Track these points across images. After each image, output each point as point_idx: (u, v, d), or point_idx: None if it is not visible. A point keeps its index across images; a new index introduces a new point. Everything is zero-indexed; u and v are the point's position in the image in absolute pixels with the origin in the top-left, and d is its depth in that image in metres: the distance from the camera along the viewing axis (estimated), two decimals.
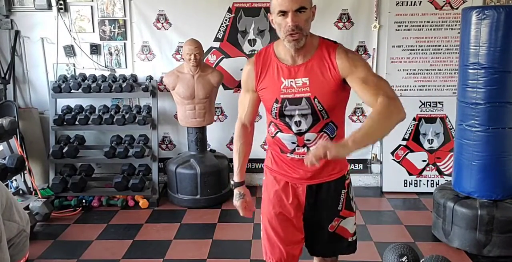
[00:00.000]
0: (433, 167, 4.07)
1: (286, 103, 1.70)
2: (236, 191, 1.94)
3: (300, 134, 1.74)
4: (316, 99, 1.67)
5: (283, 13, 1.58)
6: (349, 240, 1.93)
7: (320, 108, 1.68)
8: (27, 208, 3.41)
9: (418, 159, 4.06)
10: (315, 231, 1.91)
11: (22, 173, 3.68)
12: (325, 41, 1.73)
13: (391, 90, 1.61)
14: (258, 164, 4.16)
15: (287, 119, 1.73)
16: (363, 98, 1.65)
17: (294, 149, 1.78)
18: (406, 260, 2.48)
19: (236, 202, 1.93)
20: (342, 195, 1.88)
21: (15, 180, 3.75)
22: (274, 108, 1.72)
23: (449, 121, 4.01)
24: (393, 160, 4.08)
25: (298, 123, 1.72)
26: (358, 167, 4.23)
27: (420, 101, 4.04)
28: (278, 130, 1.79)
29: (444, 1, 3.91)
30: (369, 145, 1.54)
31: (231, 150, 4.21)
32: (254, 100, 1.84)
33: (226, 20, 4.01)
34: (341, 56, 1.66)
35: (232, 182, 1.97)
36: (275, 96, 1.71)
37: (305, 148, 1.76)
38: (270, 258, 1.92)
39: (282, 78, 1.70)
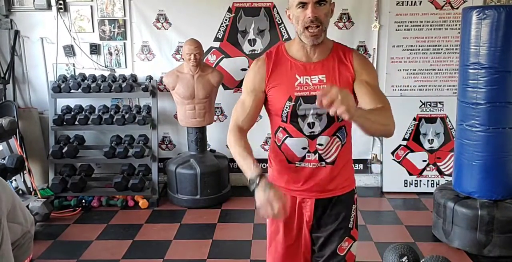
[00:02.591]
0: (433, 167, 4.07)
1: (300, 101, 1.60)
2: (261, 183, 1.45)
3: (312, 136, 1.64)
4: None
5: (303, 5, 1.52)
6: None
7: None
8: (26, 208, 3.40)
9: (418, 159, 4.06)
10: (324, 254, 1.75)
11: (21, 173, 3.67)
12: (339, 44, 1.69)
13: (389, 106, 1.60)
14: (260, 164, 4.16)
15: (299, 119, 1.63)
16: (363, 101, 1.58)
17: (304, 156, 1.67)
18: (407, 260, 2.47)
19: (265, 193, 1.41)
20: (352, 211, 1.75)
21: (15, 180, 3.74)
22: (286, 107, 1.61)
23: (450, 121, 4.00)
24: (394, 160, 4.08)
25: (311, 125, 1.63)
26: (358, 167, 4.22)
27: (421, 101, 4.04)
28: (287, 135, 1.67)
29: (444, 1, 3.91)
30: (362, 125, 1.44)
31: None
32: (257, 102, 1.68)
33: (226, 20, 4.01)
34: (357, 59, 1.64)
35: (252, 179, 1.49)
36: (289, 94, 1.61)
37: (316, 155, 1.66)
38: None
39: (297, 75, 1.62)
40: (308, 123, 1.63)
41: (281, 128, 1.69)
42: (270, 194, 1.41)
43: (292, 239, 1.77)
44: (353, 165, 1.82)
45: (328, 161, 1.67)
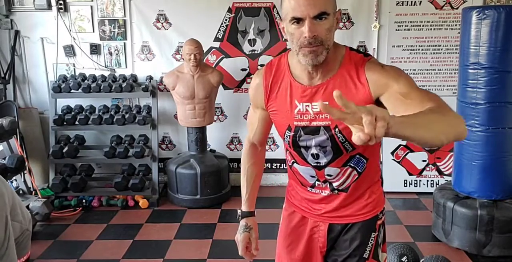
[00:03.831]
0: (433, 167, 4.07)
1: (300, 132, 1.38)
2: (242, 223, 1.60)
3: (319, 167, 1.43)
4: (337, 129, 1.33)
5: (298, 20, 1.22)
6: None
7: (342, 139, 1.34)
8: (27, 208, 3.40)
9: (418, 159, 4.06)
10: None
11: (22, 173, 3.68)
12: (352, 54, 1.35)
13: (444, 102, 1.17)
14: (274, 163, 4.17)
15: (302, 150, 1.42)
16: (403, 112, 1.13)
17: (315, 184, 1.48)
18: (406, 260, 2.48)
19: (239, 235, 1.59)
20: (371, 240, 1.51)
21: (15, 180, 3.75)
22: (286, 137, 1.42)
23: None
24: (393, 160, 4.08)
25: (315, 156, 1.41)
26: None
27: None
28: (294, 160, 1.49)
29: (444, 1, 3.91)
30: (413, 137, 0.96)
31: (231, 150, 4.22)
32: (264, 119, 1.51)
33: (226, 20, 4.01)
34: (373, 72, 1.29)
35: (238, 212, 1.63)
36: (288, 123, 1.39)
37: (327, 183, 1.46)
38: None
39: (296, 101, 1.36)
40: (312, 154, 1.41)
41: (288, 151, 1.51)
42: (241, 236, 1.58)
43: (302, 256, 1.58)
44: (381, 186, 1.56)
45: (340, 188, 1.47)
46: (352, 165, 1.42)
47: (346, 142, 1.35)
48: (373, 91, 1.28)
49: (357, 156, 1.41)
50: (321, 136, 1.36)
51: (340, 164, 1.41)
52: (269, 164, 4.12)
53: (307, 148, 1.40)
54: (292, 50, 1.33)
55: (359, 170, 1.43)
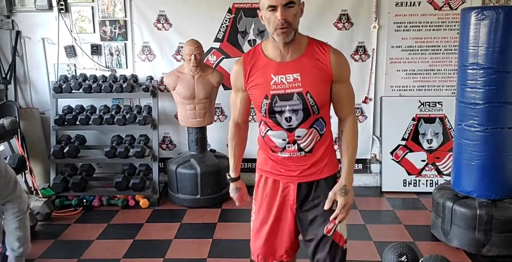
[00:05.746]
0: (432, 167, 4.09)
1: (276, 99, 1.73)
2: (232, 185, 2.06)
3: (290, 129, 1.77)
4: (308, 94, 1.71)
5: (273, 8, 1.62)
6: (343, 248, 1.89)
7: (312, 103, 1.72)
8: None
9: (417, 158, 4.08)
10: (312, 234, 1.89)
11: (23, 173, 3.69)
12: (315, 40, 1.78)
13: (354, 114, 1.89)
14: (255, 163, 4.18)
15: (277, 115, 1.76)
16: (337, 108, 1.83)
17: (285, 147, 1.81)
18: (406, 259, 2.49)
19: (233, 194, 2.08)
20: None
21: None
22: (264, 105, 1.75)
23: (448, 121, 4.02)
24: (393, 159, 4.10)
25: (288, 119, 1.75)
26: (358, 166, 4.24)
27: (419, 101, 4.05)
28: (268, 128, 1.82)
29: (443, 2, 3.93)
30: None
31: None
32: (244, 99, 1.88)
33: (226, 20, 4.03)
34: (335, 57, 1.73)
35: (228, 177, 2.07)
36: (265, 93, 1.74)
37: (296, 145, 1.80)
38: (254, 256, 2.02)
39: (272, 75, 1.73)
40: (286, 118, 1.75)
41: (263, 121, 1.85)
42: (236, 195, 2.06)
43: (273, 218, 1.92)
44: (335, 151, 1.93)
45: (306, 150, 1.81)
46: (316, 127, 1.79)
47: (315, 105, 1.73)
48: (334, 71, 1.73)
49: (320, 119, 1.79)
50: (294, 100, 1.72)
51: (308, 125, 1.77)
52: None
53: (281, 112, 1.75)
54: (268, 33, 1.71)
55: (321, 132, 1.81)
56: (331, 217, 1.80)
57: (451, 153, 3.63)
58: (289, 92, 1.72)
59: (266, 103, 1.74)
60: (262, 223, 1.95)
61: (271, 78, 1.73)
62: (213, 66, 4.03)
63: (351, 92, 1.83)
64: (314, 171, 1.84)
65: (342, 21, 3.98)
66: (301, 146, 1.80)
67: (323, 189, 1.85)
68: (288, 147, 1.81)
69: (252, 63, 1.77)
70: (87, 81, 3.95)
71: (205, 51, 3.86)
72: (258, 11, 1.73)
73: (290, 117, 1.74)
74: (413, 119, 4.05)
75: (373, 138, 4.20)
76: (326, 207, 1.79)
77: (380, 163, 4.18)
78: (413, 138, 4.07)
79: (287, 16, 1.62)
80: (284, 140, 1.80)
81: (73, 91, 3.91)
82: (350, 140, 1.83)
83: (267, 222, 1.94)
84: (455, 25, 3.92)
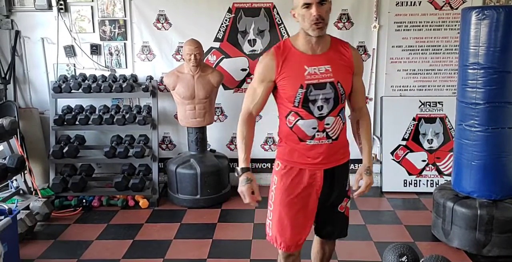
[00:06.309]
0: (432, 167, 4.08)
1: (311, 88, 1.87)
2: (243, 177, 1.94)
3: (321, 118, 1.90)
4: (339, 83, 1.89)
5: (308, 5, 1.78)
6: (348, 216, 2.15)
7: (342, 92, 1.90)
8: (27, 208, 3.41)
9: (417, 158, 4.07)
10: (329, 213, 2.08)
11: (22, 173, 3.68)
12: (335, 38, 1.97)
13: (366, 106, 2.15)
14: (258, 164, 4.18)
15: (310, 104, 1.88)
16: (354, 99, 2.03)
17: (314, 135, 1.93)
18: (406, 260, 2.48)
19: (243, 187, 1.92)
20: (348, 176, 2.11)
21: (16, 179, 3.75)
22: (299, 94, 1.87)
23: (449, 121, 4.01)
24: (393, 159, 4.09)
25: (320, 108, 1.89)
26: (358, 166, 4.21)
27: (420, 101, 4.05)
28: (299, 118, 1.92)
29: (443, 1, 3.92)
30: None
31: (231, 150, 4.22)
32: (266, 91, 1.96)
33: (226, 20, 4.02)
34: (355, 53, 1.97)
35: (238, 169, 1.95)
36: (300, 83, 1.87)
37: (324, 133, 1.93)
38: (280, 245, 2.05)
39: (306, 66, 1.87)
40: (318, 107, 1.89)
41: (292, 112, 1.94)
42: (245, 187, 1.92)
43: (299, 206, 2.01)
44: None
45: (334, 137, 1.96)
46: (340, 115, 1.96)
47: (344, 94, 1.92)
48: (354, 66, 1.95)
49: (343, 108, 1.97)
50: (327, 89, 1.88)
51: (336, 114, 1.93)
52: (269, 164, 4.12)
53: (315, 101, 1.88)
54: (302, 28, 1.86)
55: (343, 120, 1.98)
56: (355, 194, 2.01)
57: (451, 153, 3.63)
58: (323, 82, 1.87)
59: (302, 93, 1.86)
60: (290, 211, 2.00)
61: (305, 69, 1.87)
62: (213, 66, 4.02)
63: (363, 85, 2.06)
64: (338, 157, 2.01)
65: (342, 21, 3.98)
66: (329, 133, 1.94)
67: (342, 172, 2.05)
68: (318, 135, 1.93)
69: (284, 56, 1.89)
70: (86, 81, 3.94)
71: (205, 51, 3.85)
72: (290, 10, 1.90)
73: (322, 106, 1.89)
74: (414, 119, 4.05)
75: (373, 138, 4.20)
76: (355, 187, 2.03)
77: (381, 163, 4.17)
78: (414, 138, 4.06)
79: (321, 12, 1.78)
80: (314, 128, 1.92)
81: (72, 91, 3.91)
82: (367, 127, 2.08)
83: (295, 209, 2.00)
84: (455, 25, 3.91)
